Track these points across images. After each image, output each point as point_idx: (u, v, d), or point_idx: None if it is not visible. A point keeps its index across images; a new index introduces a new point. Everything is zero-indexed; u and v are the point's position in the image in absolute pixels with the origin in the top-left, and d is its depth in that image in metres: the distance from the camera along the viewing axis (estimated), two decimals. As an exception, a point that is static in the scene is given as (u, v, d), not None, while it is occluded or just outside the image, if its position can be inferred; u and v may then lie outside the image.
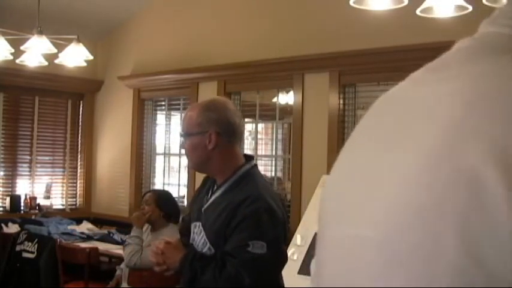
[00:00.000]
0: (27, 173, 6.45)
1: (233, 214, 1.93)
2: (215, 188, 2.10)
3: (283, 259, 2.06)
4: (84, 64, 4.81)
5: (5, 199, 6.18)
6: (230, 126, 2.05)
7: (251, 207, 1.92)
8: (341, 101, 4.61)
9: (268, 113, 5.49)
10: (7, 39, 4.39)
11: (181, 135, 2.16)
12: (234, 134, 2.07)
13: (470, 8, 2.53)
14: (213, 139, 2.02)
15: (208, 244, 2.01)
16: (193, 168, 2.22)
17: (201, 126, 2.03)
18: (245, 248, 1.88)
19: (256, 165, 2.16)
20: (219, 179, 2.08)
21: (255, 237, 1.89)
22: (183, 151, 6.33)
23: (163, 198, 4.02)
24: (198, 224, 2.07)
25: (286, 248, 2.13)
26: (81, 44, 4.57)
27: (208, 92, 5.46)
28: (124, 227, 5.68)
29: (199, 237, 2.06)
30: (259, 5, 5.23)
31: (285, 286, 2.19)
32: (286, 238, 2.11)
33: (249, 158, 2.15)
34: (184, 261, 1.98)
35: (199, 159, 2.08)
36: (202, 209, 2.08)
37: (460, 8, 2.56)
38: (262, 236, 1.90)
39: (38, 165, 6.51)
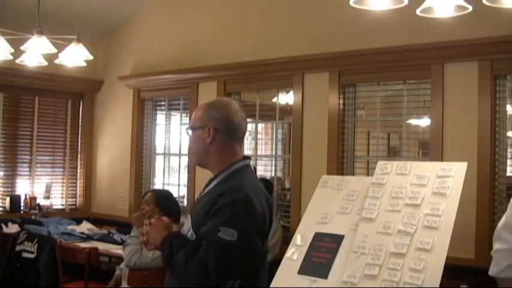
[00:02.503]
0: (27, 173, 6.45)
1: (214, 203, 2.04)
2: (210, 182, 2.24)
3: (256, 252, 2.10)
4: (84, 64, 4.80)
5: (5, 199, 6.18)
6: (229, 125, 2.18)
7: (230, 197, 2.03)
8: (341, 101, 4.61)
9: (268, 113, 5.49)
10: (7, 39, 4.39)
11: (187, 130, 2.30)
12: (232, 132, 2.19)
13: (470, 8, 2.52)
14: (211, 133, 2.16)
15: (191, 230, 2.12)
16: (195, 162, 2.34)
17: (203, 121, 2.19)
18: (216, 232, 1.97)
19: (249, 164, 2.26)
20: (215, 173, 2.21)
21: (227, 224, 1.97)
22: (183, 151, 6.33)
23: (164, 198, 4.02)
24: (189, 214, 2.21)
25: (264, 244, 2.17)
26: (81, 44, 4.57)
27: (208, 92, 5.46)
28: (124, 227, 5.68)
29: (186, 224, 2.18)
30: (259, 5, 5.23)
31: (285, 286, 2.20)
32: (264, 234, 2.15)
33: (245, 158, 2.26)
34: (165, 239, 2.09)
35: (198, 152, 2.23)
36: (196, 201, 2.24)
37: (460, 8, 2.56)
38: (235, 224, 1.98)
39: (38, 165, 6.51)
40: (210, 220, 2.02)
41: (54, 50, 4.46)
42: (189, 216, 2.21)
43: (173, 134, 6.19)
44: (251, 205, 2.04)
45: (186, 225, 2.18)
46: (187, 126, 2.32)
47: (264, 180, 4.93)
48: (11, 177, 6.34)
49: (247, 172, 2.21)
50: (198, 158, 2.26)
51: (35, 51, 4.49)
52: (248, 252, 2.04)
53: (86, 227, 5.96)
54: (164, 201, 3.98)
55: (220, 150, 2.18)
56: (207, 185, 2.23)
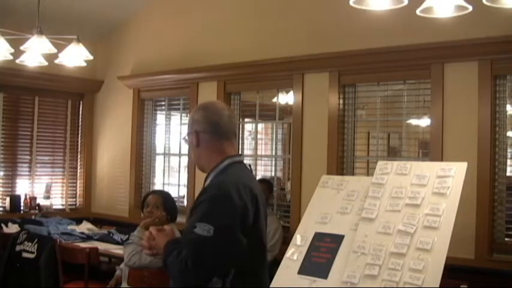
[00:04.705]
0: (27, 173, 6.45)
1: (195, 202, 2.08)
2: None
3: (236, 246, 2.02)
4: (84, 64, 4.80)
5: (5, 199, 6.18)
6: (209, 125, 2.19)
7: (207, 194, 2.06)
8: (341, 101, 4.61)
9: (268, 113, 5.49)
10: (7, 39, 4.39)
11: (184, 140, 2.34)
12: (215, 132, 2.20)
13: (470, 8, 2.52)
14: (195, 137, 2.21)
15: None
16: (197, 167, 2.34)
17: (189, 127, 2.26)
18: (192, 229, 1.98)
19: (238, 161, 2.24)
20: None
21: (203, 220, 1.98)
22: (183, 151, 6.33)
23: (170, 201, 4.02)
24: None
25: (254, 238, 2.10)
26: (81, 44, 4.57)
27: (208, 92, 5.47)
28: (124, 227, 5.68)
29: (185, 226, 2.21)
30: (259, 5, 5.23)
31: (285, 286, 2.19)
32: (250, 228, 2.07)
33: (234, 155, 2.25)
34: (165, 246, 2.11)
35: (193, 157, 2.29)
36: None
37: (460, 8, 2.56)
38: (211, 220, 1.97)
39: (38, 165, 6.51)
40: (190, 218, 2.06)
41: (54, 50, 4.46)
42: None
43: (173, 134, 6.19)
44: (228, 199, 2.01)
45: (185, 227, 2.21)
46: (184, 136, 2.35)
47: (263, 180, 4.93)
48: (11, 177, 6.34)
49: (235, 168, 2.19)
50: (196, 163, 2.30)
51: (35, 51, 4.49)
52: (227, 247, 1.99)
53: (86, 227, 5.96)
54: (170, 203, 3.99)
55: (208, 151, 2.20)
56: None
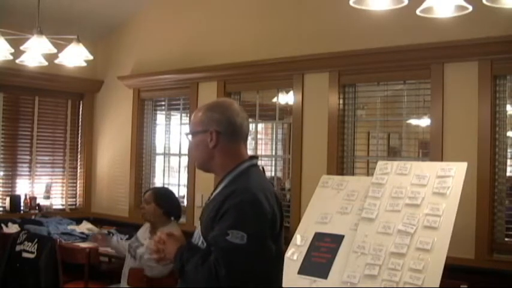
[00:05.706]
0: (27, 173, 6.45)
1: (220, 206, 1.97)
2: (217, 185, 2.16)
3: (268, 253, 1.99)
4: (84, 64, 4.80)
5: (5, 199, 6.18)
6: (231, 126, 2.10)
7: (236, 199, 1.95)
8: (341, 101, 4.61)
9: (268, 113, 5.49)
10: (7, 39, 4.39)
11: (186, 135, 2.22)
12: (235, 133, 2.11)
13: (470, 8, 2.53)
14: (213, 138, 2.08)
15: (201, 238, 2.05)
16: (198, 167, 2.24)
17: (204, 125, 2.10)
18: (224, 236, 1.89)
19: (256, 164, 2.18)
20: (220, 177, 2.13)
21: (235, 227, 1.89)
22: (183, 151, 6.30)
23: (163, 196, 4.02)
24: (199, 220, 2.15)
25: (278, 245, 2.07)
26: (81, 44, 4.57)
27: (208, 92, 5.47)
28: (124, 227, 5.69)
29: (196, 231, 2.12)
30: (259, 5, 5.23)
31: (285, 286, 2.18)
32: (276, 235, 2.05)
33: (252, 157, 2.19)
34: (177, 252, 2.03)
35: (202, 158, 2.14)
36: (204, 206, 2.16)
37: (460, 8, 2.56)
38: (243, 227, 1.89)
39: (38, 165, 6.51)
40: (217, 224, 1.95)
41: (54, 50, 4.46)
42: (198, 222, 2.15)
43: (173, 134, 6.19)
44: (259, 205, 1.95)
45: (196, 233, 2.11)
46: (186, 131, 2.22)
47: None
48: (11, 177, 6.34)
49: (253, 172, 2.12)
50: (201, 163, 2.17)
51: (35, 51, 4.48)
52: (260, 254, 1.95)
53: (86, 227, 5.96)
54: (164, 199, 3.98)
55: (225, 153, 2.10)
56: (214, 190, 2.15)
